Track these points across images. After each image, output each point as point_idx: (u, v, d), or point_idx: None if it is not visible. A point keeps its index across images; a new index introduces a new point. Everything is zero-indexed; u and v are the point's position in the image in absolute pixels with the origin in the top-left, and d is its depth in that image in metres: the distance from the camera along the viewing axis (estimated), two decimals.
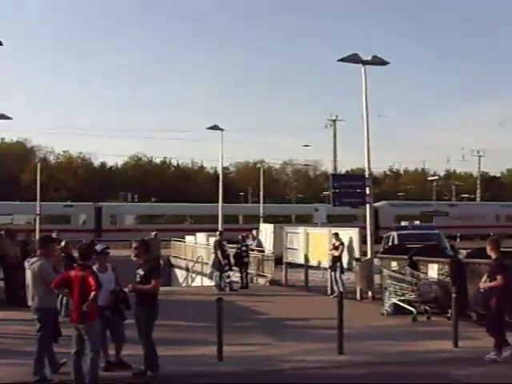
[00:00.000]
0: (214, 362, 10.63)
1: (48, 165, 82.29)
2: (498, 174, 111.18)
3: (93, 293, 8.85)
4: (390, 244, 26.85)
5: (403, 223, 39.60)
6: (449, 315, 13.48)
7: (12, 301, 16.83)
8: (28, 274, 10.01)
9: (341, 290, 17.80)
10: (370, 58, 19.81)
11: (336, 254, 19.94)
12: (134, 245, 10.60)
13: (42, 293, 9.73)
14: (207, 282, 28.10)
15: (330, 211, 34.99)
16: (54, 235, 15.60)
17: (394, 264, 17.20)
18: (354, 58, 19.65)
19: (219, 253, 22.68)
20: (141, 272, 9.96)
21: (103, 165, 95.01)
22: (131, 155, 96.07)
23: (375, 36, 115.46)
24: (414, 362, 10.93)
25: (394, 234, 28.33)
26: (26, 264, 10.19)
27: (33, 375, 9.58)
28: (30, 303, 9.99)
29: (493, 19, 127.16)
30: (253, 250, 26.38)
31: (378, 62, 20.01)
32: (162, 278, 11.11)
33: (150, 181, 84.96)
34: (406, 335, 13.24)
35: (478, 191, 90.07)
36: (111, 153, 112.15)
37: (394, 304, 15.83)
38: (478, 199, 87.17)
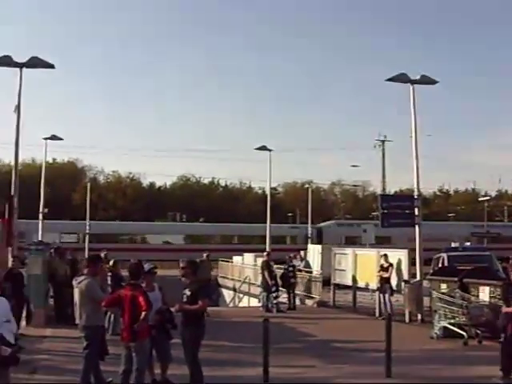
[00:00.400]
0: None
1: (98, 184, 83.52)
2: None
3: (143, 312, 8.90)
4: (439, 266, 26.41)
5: (453, 244, 38.80)
6: (501, 340, 13.12)
7: (61, 318, 17.06)
8: (76, 293, 10.11)
9: (389, 312, 17.52)
10: (418, 77, 19.63)
11: (386, 275, 19.71)
12: (181, 265, 10.58)
13: (90, 311, 9.80)
14: (254, 303, 28.03)
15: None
16: (102, 254, 15.77)
17: (443, 286, 16.89)
18: (402, 78, 19.50)
19: (266, 273, 22.59)
20: (188, 292, 9.93)
21: (152, 185, 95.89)
22: (180, 175, 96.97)
23: (426, 55, 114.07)
24: None
25: (444, 255, 27.83)
26: (74, 282, 10.30)
27: None
28: (77, 321, 10.07)
29: None
30: (300, 270, 26.22)
31: (426, 81, 19.82)
32: (209, 298, 11.09)
33: (198, 201, 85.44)
34: (456, 360, 12.93)
35: None
36: (160, 173, 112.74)
37: (444, 327, 15.50)
38: None
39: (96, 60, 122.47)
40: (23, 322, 15.50)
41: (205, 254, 23.38)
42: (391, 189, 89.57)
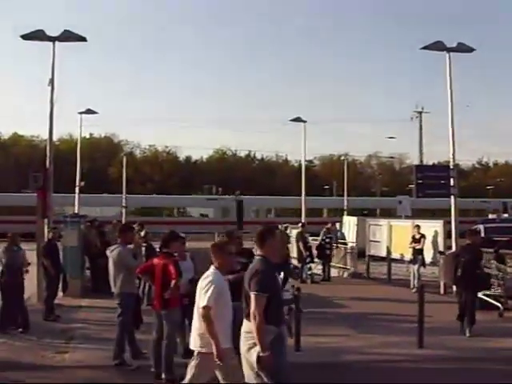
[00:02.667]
0: (291, 353, 10.52)
1: (134, 159, 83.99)
2: None
3: (173, 281, 8.99)
4: None
5: (491, 216, 38.27)
6: None
7: (97, 288, 17.33)
8: (110, 262, 10.29)
9: (415, 283, 17.49)
10: (455, 44, 19.19)
11: (418, 246, 19.57)
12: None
13: (122, 278, 9.99)
14: None
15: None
16: (135, 225, 15.81)
17: None
18: (437, 46, 19.05)
19: (301, 244, 22.61)
20: None
21: (188, 158, 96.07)
22: (216, 149, 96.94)
23: (461, 22, 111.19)
24: (497, 359, 10.61)
25: (481, 226, 27.50)
26: (108, 252, 10.49)
27: (112, 359, 9.85)
28: (113, 289, 10.24)
29: None
30: (336, 242, 26.14)
31: (463, 49, 19.32)
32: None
33: (234, 174, 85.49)
34: (491, 331, 12.77)
35: None
36: (196, 146, 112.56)
37: (480, 299, 15.34)
38: None
39: (131, 33, 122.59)
40: (60, 293, 15.75)
41: (283, 226, 22.82)
42: (429, 161, 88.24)
